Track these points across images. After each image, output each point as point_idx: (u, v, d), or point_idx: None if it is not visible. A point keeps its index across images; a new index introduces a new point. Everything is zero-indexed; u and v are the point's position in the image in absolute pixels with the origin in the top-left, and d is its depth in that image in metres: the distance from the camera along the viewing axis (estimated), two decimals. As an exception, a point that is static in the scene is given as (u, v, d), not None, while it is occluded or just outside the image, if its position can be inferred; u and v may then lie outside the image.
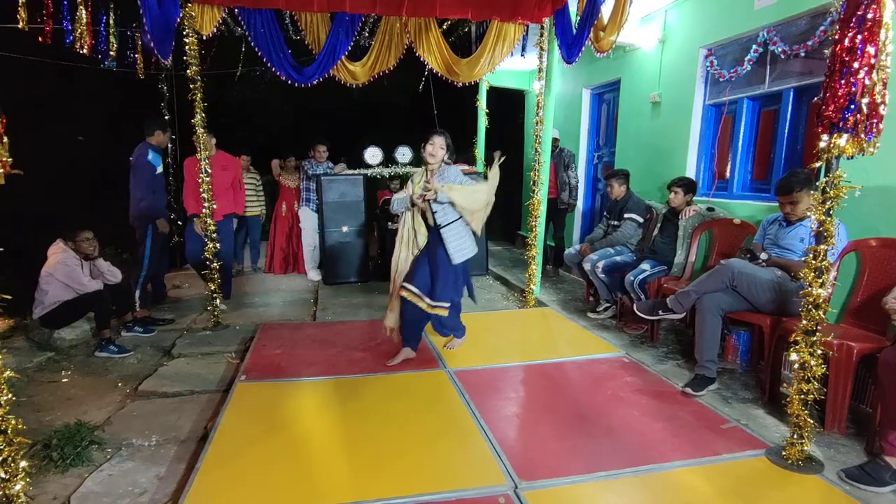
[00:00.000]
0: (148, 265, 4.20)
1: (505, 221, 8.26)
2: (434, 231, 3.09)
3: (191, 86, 3.76)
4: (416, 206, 3.09)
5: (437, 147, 3.07)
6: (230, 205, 4.79)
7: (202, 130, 3.86)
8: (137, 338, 3.86)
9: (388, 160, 6.14)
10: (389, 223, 5.71)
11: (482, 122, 6.61)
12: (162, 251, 4.50)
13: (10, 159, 1.64)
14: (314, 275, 5.80)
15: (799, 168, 3.15)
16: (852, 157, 1.92)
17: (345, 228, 5.50)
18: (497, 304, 4.84)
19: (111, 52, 5.20)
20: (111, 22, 4.97)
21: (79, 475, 2.18)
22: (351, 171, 5.85)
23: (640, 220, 4.30)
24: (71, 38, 4.32)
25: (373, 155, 6.07)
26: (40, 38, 3.99)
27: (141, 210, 4.16)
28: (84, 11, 3.97)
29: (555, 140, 5.45)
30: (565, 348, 3.60)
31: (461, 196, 3.00)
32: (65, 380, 3.19)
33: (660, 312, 3.17)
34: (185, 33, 3.71)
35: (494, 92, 6.81)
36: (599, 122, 6.06)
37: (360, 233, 5.58)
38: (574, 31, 3.93)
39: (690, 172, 4.29)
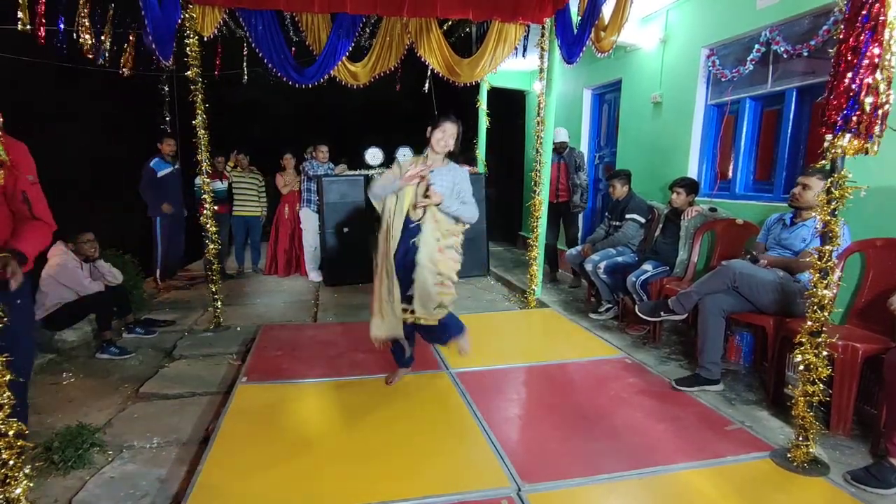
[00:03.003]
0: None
1: (506, 222, 8.26)
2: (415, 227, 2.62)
3: (191, 87, 3.76)
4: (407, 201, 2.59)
5: (448, 135, 2.63)
6: None
7: (203, 132, 3.86)
8: (139, 339, 3.85)
9: (390, 161, 6.12)
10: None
11: (483, 122, 6.60)
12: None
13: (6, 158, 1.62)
14: (315, 276, 5.79)
15: None
16: (863, 154, 1.90)
17: (346, 229, 5.49)
18: (498, 305, 4.83)
19: (123, 59, 5.21)
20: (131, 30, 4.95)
21: (80, 478, 2.17)
22: (352, 172, 5.84)
23: (642, 220, 4.28)
24: (65, 37, 4.31)
25: (374, 156, 6.07)
26: (39, 37, 3.96)
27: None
28: (85, 11, 3.94)
29: (565, 143, 5.28)
30: (567, 349, 3.59)
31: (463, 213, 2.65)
32: (66, 382, 3.18)
33: (661, 313, 3.16)
34: (186, 35, 3.71)
35: (495, 92, 6.80)
36: (601, 122, 6.05)
37: (361, 234, 5.57)
38: (575, 31, 3.92)
39: (692, 173, 4.28)
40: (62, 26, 4.19)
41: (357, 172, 5.86)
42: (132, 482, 2.14)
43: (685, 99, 4.32)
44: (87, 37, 3.65)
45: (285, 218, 6.00)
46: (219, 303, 4.10)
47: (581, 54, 3.87)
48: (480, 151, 6.84)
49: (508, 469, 2.11)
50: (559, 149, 5.28)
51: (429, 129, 2.69)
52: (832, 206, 1.96)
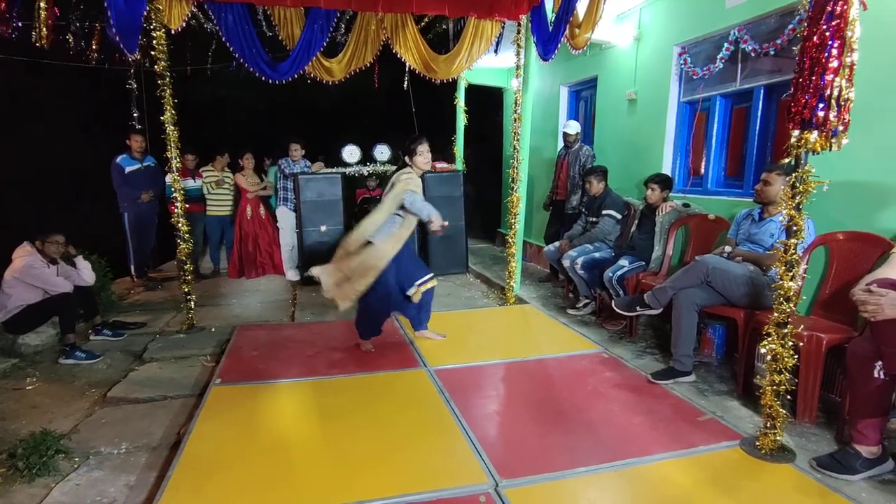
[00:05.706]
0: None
1: (485, 219, 8.28)
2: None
3: (159, 82, 3.65)
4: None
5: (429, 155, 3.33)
6: None
7: (172, 128, 3.75)
8: (107, 342, 3.73)
9: (367, 158, 6.07)
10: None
11: (461, 119, 6.60)
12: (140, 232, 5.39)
13: None
14: (292, 275, 5.70)
15: None
16: (827, 149, 1.95)
17: (323, 228, 5.43)
18: (477, 301, 4.84)
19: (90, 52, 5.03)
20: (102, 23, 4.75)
21: (45, 485, 2.10)
22: (329, 170, 5.77)
23: (619, 216, 4.34)
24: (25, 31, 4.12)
25: (351, 153, 6.00)
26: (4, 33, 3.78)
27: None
28: (43, 4, 3.77)
29: (570, 135, 5.07)
30: (545, 345, 3.62)
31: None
32: (30, 387, 3.06)
33: (637, 308, 3.21)
34: (152, 28, 3.59)
35: (473, 89, 6.80)
36: (577, 119, 6.10)
37: (339, 232, 5.50)
38: (550, 28, 3.94)
39: (666, 169, 4.35)
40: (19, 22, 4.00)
41: (334, 170, 5.79)
42: (99, 489, 2.07)
43: (659, 96, 4.39)
44: (44, 28, 3.47)
45: (247, 219, 5.73)
46: (192, 303, 4.01)
47: (556, 51, 3.90)
48: (459, 149, 6.84)
49: (486, 465, 2.11)
50: (568, 143, 5.15)
51: (418, 149, 3.25)
52: (797, 201, 2.01)
